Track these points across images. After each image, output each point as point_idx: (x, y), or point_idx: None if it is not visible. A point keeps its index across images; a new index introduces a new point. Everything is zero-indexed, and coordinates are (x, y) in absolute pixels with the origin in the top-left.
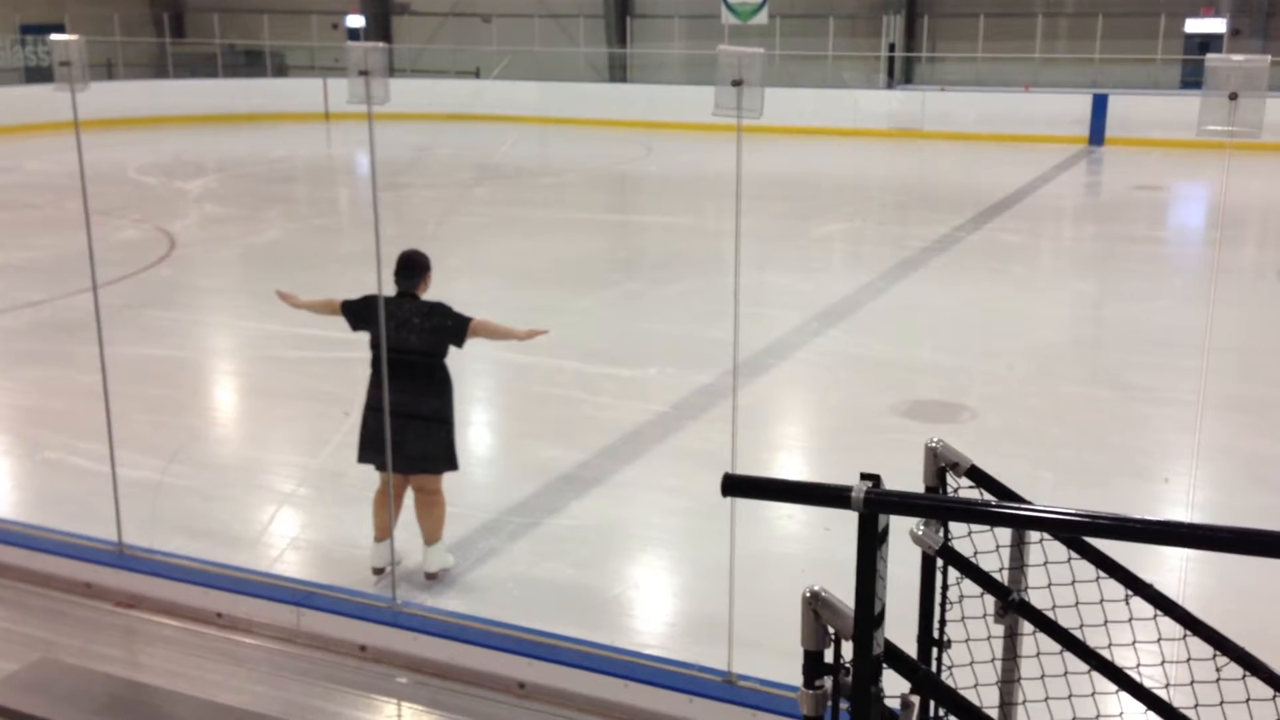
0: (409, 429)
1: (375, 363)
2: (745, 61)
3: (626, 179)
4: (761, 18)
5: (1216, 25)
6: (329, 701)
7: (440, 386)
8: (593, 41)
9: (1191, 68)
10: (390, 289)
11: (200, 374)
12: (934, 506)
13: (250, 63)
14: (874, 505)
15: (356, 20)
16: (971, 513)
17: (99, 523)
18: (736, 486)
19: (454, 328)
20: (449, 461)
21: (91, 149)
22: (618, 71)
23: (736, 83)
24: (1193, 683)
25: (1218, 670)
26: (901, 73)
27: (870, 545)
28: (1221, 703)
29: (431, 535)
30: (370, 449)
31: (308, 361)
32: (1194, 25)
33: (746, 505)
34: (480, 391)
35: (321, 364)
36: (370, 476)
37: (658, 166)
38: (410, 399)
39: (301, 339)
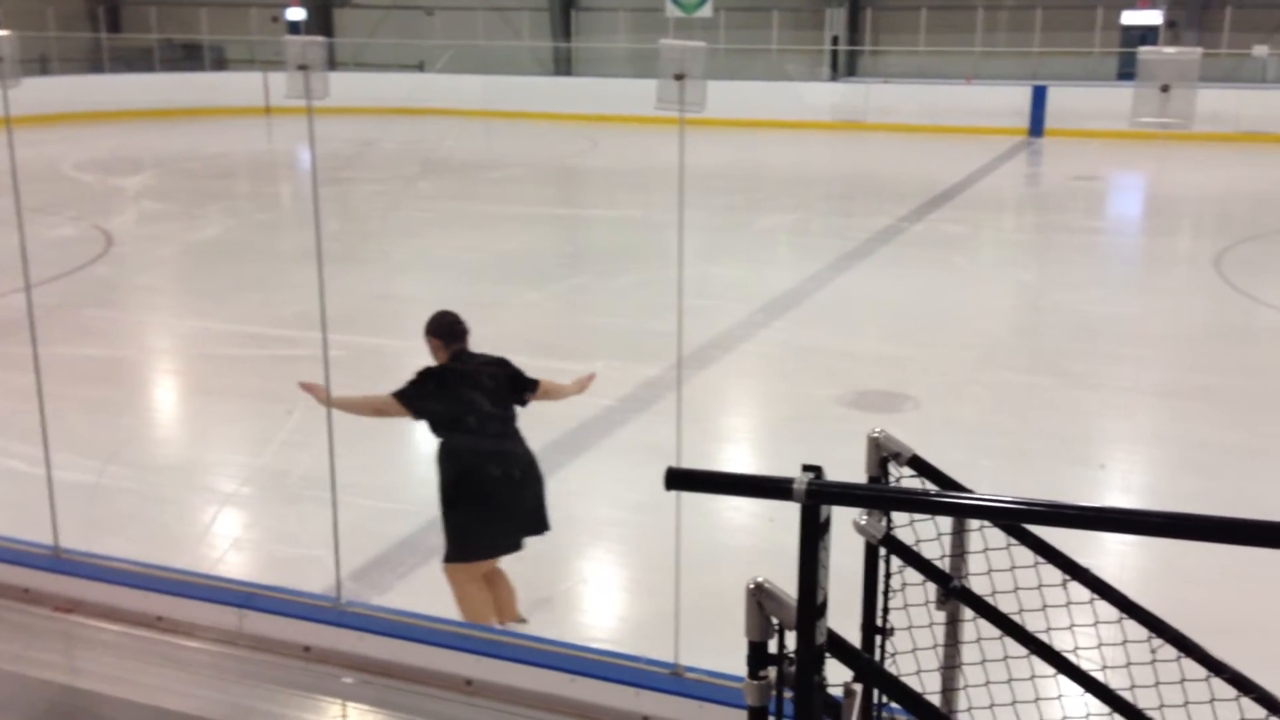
0: (523, 497)
1: (452, 445)
2: (687, 55)
3: (572, 172)
4: (706, 11)
5: (1153, 17)
6: (273, 704)
7: (518, 436)
8: (537, 35)
9: (1128, 60)
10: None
11: (139, 374)
12: (875, 497)
13: (188, 57)
14: (815, 497)
15: (297, 13)
16: (912, 502)
17: (35, 526)
18: (680, 480)
19: (522, 380)
20: (546, 518)
21: (25, 145)
22: (562, 65)
23: (679, 76)
24: (1129, 664)
25: (1153, 652)
26: (845, 65)
27: (812, 536)
28: (1157, 684)
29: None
30: (478, 542)
31: (249, 360)
32: (1130, 17)
33: (693, 498)
34: None
35: (264, 362)
36: (318, 474)
37: (604, 160)
38: (501, 464)
39: (243, 337)
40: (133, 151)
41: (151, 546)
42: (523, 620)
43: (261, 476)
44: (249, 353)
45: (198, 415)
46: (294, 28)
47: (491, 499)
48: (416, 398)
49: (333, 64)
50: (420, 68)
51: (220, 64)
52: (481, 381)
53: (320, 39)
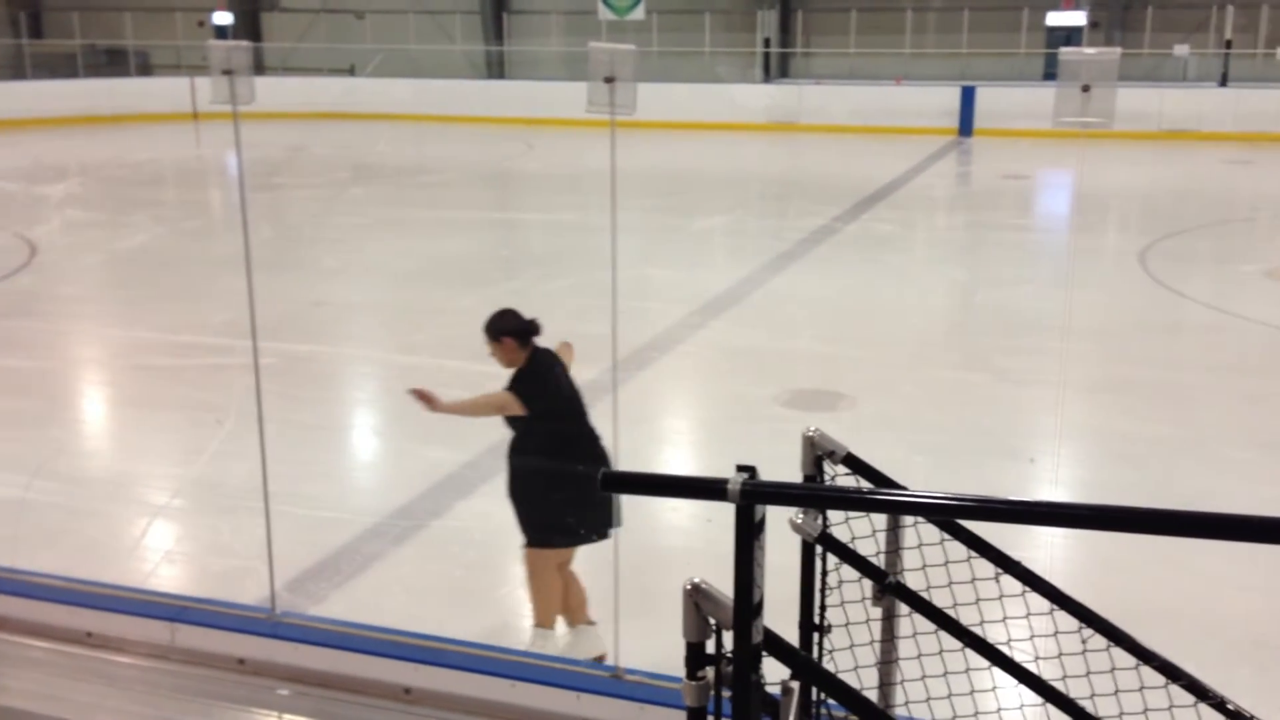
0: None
1: (553, 432)
2: (617, 58)
3: (507, 176)
4: (638, 13)
5: (1076, 18)
6: (207, 718)
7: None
8: (469, 38)
9: (1053, 60)
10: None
11: (65, 385)
12: (809, 495)
13: (113, 62)
14: (750, 496)
15: (224, 17)
16: (845, 500)
17: None
18: (615, 482)
19: None
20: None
21: None
22: (495, 68)
23: (609, 79)
24: (1060, 655)
25: (1084, 642)
26: (777, 67)
27: (747, 536)
28: (1088, 673)
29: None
30: (564, 529)
31: (179, 369)
32: (1055, 18)
33: (632, 499)
34: (362, 394)
35: (194, 371)
36: (252, 485)
37: (538, 163)
38: (591, 455)
39: (173, 346)
40: (57, 159)
41: (80, 561)
42: (591, 623)
43: (194, 488)
44: (179, 362)
45: (127, 426)
46: (221, 32)
47: (580, 489)
48: (530, 394)
49: (261, 68)
50: (351, 72)
51: (146, 69)
52: (564, 375)
53: (245, 44)
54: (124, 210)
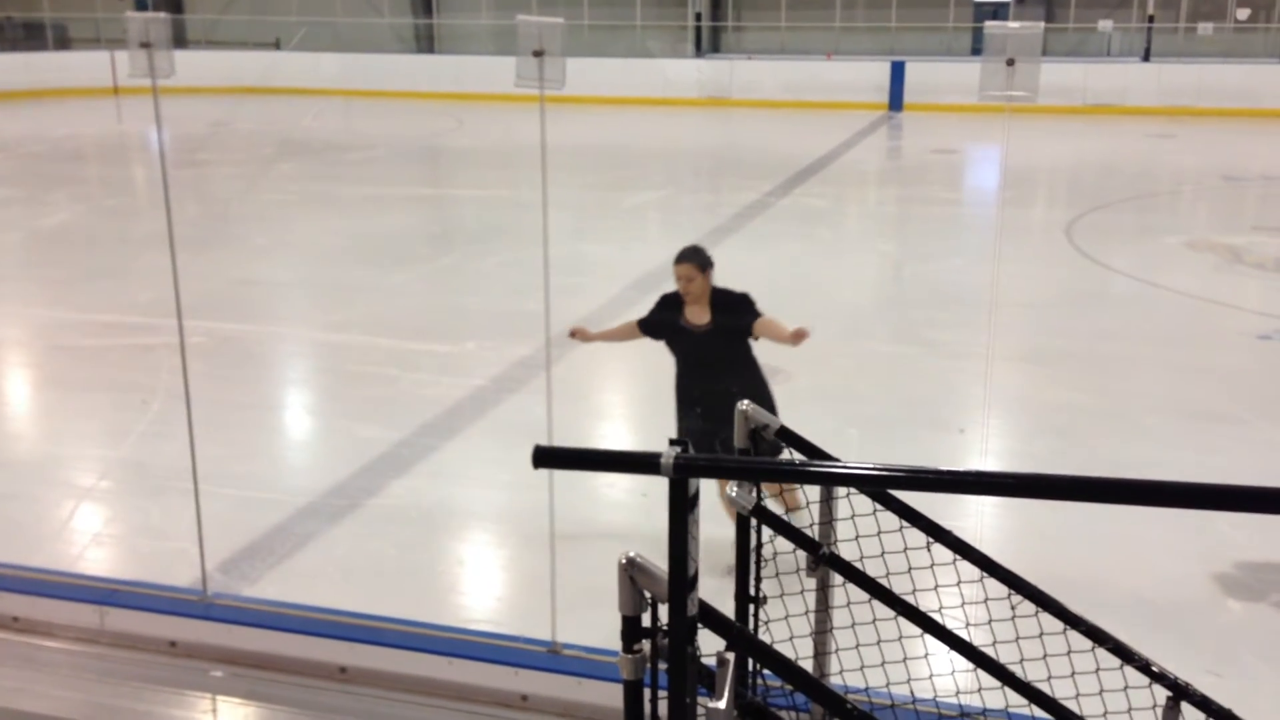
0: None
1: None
2: (545, 32)
3: (438, 152)
4: None
5: None
6: (138, 702)
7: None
8: (397, 11)
9: (980, 35)
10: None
11: None
12: (742, 468)
13: (29, 36)
14: (683, 470)
15: None
16: (778, 473)
17: None
18: (548, 458)
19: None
20: None
21: None
22: (424, 42)
23: (538, 53)
24: (990, 621)
25: (1013, 608)
26: (709, 42)
27: (681, 509)
28: (1017, 638)
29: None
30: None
31: (104, 349)
32: None
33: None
34: (294, 373)
35: (119, 351)
36: (180, 465)
37: (469, 139)
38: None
39: (97, 326)
40: None
41: (5, 545)
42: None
43: (121, 469)
44: (103, 342)
45: (51, 408)
46: (141, 4)
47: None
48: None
49: (183, 42)
50: (276, 45)
51: (64, 43)
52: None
53: (163, 15)
54: (43, 188)
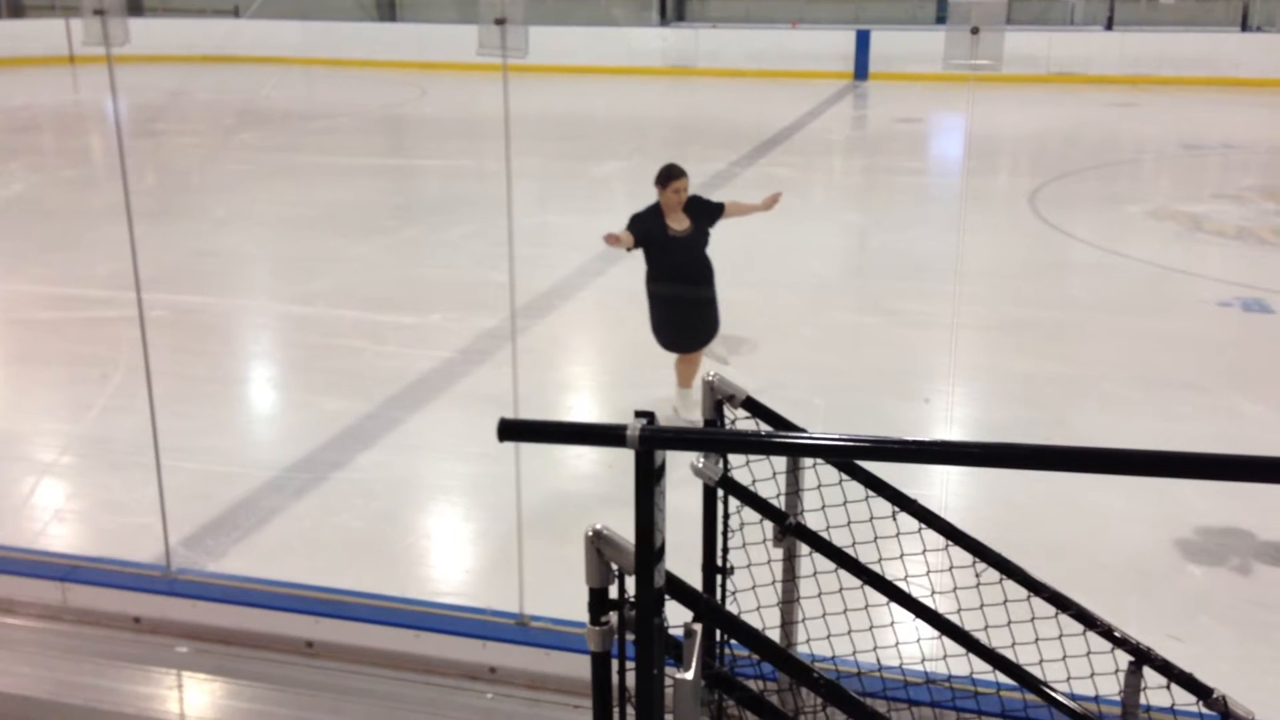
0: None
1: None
2: (508, 0)
3: (400, 121)
4: None
5: None
6: (101, 678)
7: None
8: None
9: (945, 4)
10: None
11: None
12: (708, 440)
13: None
14: (649, 442)
15: None
16: (745, 444)
17: None
18: (513, 431)
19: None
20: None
21: None
22: (385, 10)
23: (500, 21)
24: (955, 589)
25: (977, 576)
26: (673, 11)
27: (647, 481)
28: (981, 606)
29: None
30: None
31: (62, 323)
32: None
33: (536, 447)
34: (258, 346)
35: (77, 324)
36: (142, 440)
37: (433, 108)
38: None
39: (54, 299)
40: None
41: None
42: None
43: (82, 444)
44: (61, 315)
45: (9, 383)
46: None
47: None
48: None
49: (140, 9)
50: (235, 13)
51: (18, 10)
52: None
53: None
54: None
